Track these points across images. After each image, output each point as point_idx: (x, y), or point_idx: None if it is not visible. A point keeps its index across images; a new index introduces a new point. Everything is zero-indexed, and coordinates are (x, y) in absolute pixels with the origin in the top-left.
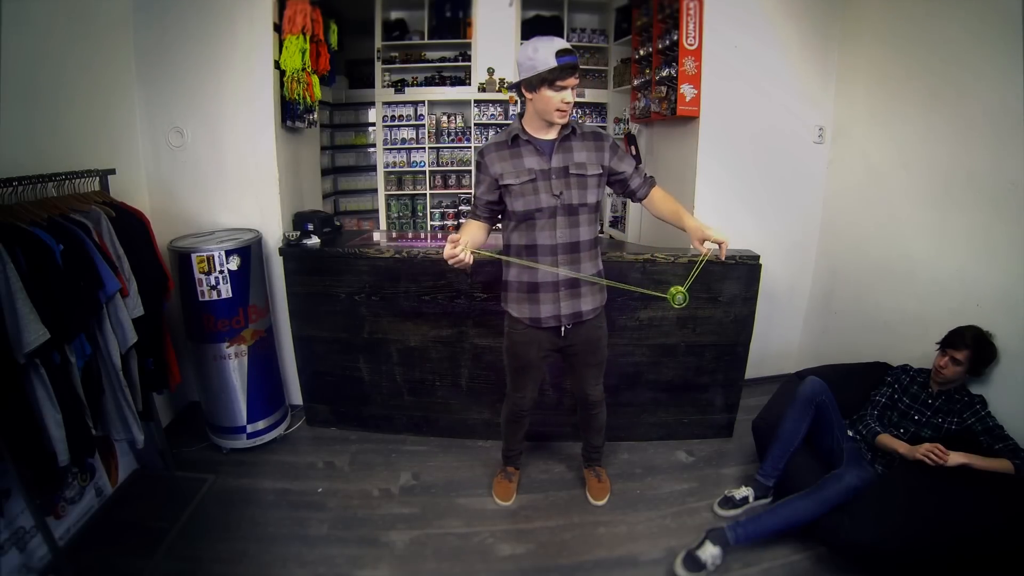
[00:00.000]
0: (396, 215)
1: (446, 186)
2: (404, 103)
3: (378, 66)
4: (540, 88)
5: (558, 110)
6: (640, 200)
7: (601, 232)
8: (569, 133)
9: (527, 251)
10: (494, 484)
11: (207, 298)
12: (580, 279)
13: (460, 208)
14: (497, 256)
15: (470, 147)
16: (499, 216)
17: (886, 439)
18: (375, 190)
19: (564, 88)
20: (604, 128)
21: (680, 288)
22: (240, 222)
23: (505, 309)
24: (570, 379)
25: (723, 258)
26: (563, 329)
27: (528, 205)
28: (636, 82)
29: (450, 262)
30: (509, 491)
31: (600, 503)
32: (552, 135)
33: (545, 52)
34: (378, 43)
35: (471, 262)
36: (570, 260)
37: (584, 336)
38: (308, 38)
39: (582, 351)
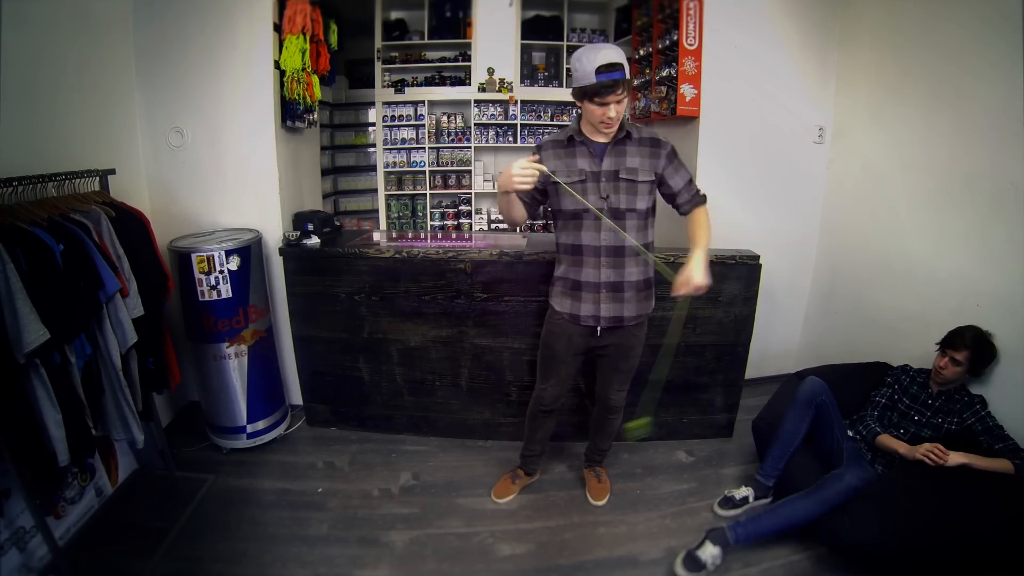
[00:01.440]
0: (396, 215)
1: (446, 186)
2: (404, 103)
3: (378, 66)
4: (583, 100)
5: (601, 123)
6: (683, 215)
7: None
8: (624, 137)
9: (572, 250)
10: (498, 481)
11: (207, 298)
12: (625, 284)
13: (460, 208)
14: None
15: (470, 147)
16: (536, 206)
17: (886, 439)
18: (375, 190)
19: (606, 104)
20: None
21: (642, 421)
22: (240, 222)
23: (550, 303)
24: (596, 380)
25: (680, 293)
26: (599, 329)
27: (576, 205)
28: (636, 82)
29: (518, 177)
30: (507, 491)
31: (600, 503)
32: (606, 138)
33: (588, 64)
34: (378, 43)
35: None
36: (614, 264)
37: (619, 341)
38: (308, 38)
39: (613, 355)
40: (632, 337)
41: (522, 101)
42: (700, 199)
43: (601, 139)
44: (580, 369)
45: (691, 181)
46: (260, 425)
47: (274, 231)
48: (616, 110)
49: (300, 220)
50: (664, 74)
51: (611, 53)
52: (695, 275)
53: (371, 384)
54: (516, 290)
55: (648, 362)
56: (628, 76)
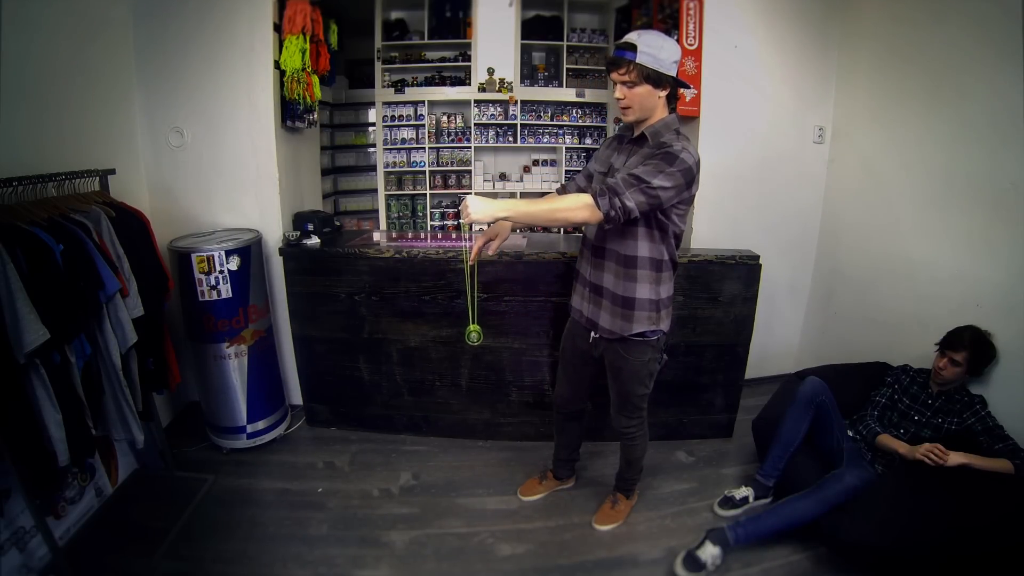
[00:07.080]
0: (396, 215)
1: (446, 186)
2: (404, 103)
3: (378, 66)
4: None
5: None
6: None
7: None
8: (639, 138)
9: (582, 241)
10: (525, 480)
11: (207, 298)
12: (602, 287)
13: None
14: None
15: (470, 147)
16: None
17: (886, 439)
18: (375, 190)
19: (614, 81)
20: (603, 127)
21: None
22: (240, 222)
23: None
24: None
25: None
26: (591, 335)
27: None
28: None
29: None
30: (533, 490)
31: (601, 528)
32: (635, 134)
33: None
34: (378, 43)
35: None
36: (593, 264)
37: (608, 354)
38: (308, 38)
39: (608, 371)
40: (618, 359)
41: (522, 101)
42: (603, 189)
43: (634, 135)
44: (592, 379)
45: (637, 177)
46: (260, 425)
47: (274, 231)
48: (621, 91)
49: (300, 220)
50: None
51: (632, 34)
52: (471, 202)
53: (371, 384)
54: (516, 290)
55: None
56: (639, 61)
